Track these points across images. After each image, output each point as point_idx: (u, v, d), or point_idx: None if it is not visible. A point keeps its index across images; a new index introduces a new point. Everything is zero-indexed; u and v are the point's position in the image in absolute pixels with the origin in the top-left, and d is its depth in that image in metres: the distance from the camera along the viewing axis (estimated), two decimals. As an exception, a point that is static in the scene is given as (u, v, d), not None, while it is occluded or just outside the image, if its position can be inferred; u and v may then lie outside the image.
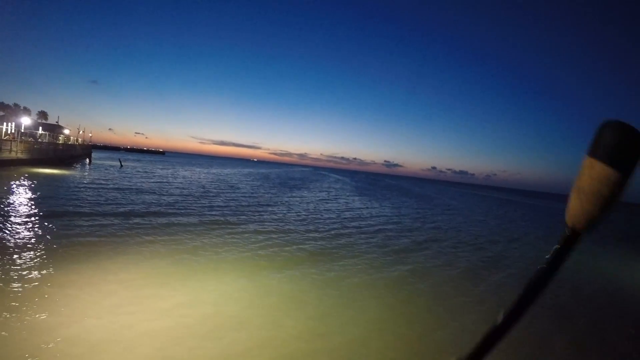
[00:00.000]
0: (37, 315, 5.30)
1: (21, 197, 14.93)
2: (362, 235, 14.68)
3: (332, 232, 14.85)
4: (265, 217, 16.85)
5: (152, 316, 5.69)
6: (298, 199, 27.37)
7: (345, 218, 19.27)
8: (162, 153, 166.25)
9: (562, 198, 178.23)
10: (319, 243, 12.49)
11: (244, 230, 13.24)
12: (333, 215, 19.64)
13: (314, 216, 18.71)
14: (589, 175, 0.55)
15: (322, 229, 15.28)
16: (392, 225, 18.58)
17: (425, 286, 8.85)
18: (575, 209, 0.57)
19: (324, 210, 21.82)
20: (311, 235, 13.82)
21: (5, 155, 27.60)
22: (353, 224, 17.55)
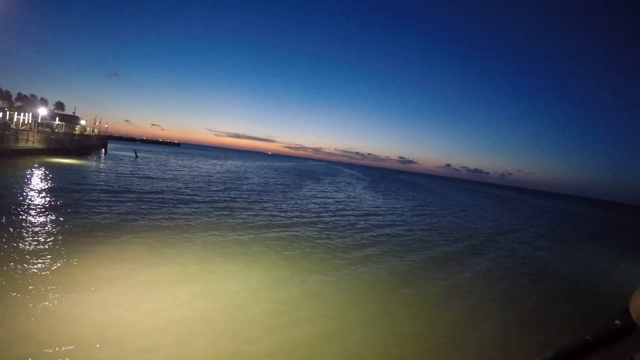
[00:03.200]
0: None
1: (38, 185, 14.89)
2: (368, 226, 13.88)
3: (347, 225, 14.15)
4: (278, 208, 16.14)
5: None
6: (313, 191, 26.69)
7: (361, 214, 18.39)
8: (178, 144, 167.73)
9: (571, 199, 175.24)
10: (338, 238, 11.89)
11: (255, 220, 12.64)
12: (347, 210, 18.82)
13: (330, 210, 17.96)
14: None
15: (339, 222, 14.56)
16: (396, 223, 17.67)
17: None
18: None
19: (337, 202, 21.12)
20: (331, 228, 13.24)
21: (23, 144, 27.65)
22: (365, 217, 16.75)
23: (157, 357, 4.26)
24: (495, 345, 5.93)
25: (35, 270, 6.27)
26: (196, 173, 31.59)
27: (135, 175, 23.43)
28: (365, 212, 19.99)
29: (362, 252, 10.80)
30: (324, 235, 12.25)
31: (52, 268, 6.48)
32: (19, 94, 56.32)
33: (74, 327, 4.66)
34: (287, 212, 16.28)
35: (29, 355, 4.01)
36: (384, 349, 5.21)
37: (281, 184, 30.81)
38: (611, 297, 9.70)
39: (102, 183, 18.02)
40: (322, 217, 16.13)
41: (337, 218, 16.32)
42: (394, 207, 24.11)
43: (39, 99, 56.62)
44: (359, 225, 15.26)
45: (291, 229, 12.63)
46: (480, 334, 6.21)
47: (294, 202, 20.17)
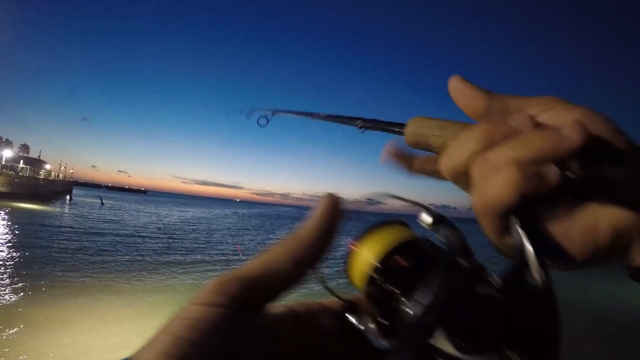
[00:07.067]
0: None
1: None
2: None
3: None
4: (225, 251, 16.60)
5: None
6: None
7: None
8: (144, 192, 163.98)
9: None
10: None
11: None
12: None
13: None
14: None
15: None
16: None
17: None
18: None
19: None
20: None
21: (-15, 188, 27.71)
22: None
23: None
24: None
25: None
26: (161, 220, 31.66)
27: (100, 220, 23.95)
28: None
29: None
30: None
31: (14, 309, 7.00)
32: (-18, 134, 55.50)
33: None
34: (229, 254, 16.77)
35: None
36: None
37: (240, 230, 31.05)
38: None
39: (65, 230, 17.70)
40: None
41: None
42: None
43: (4, 140, 55.97)
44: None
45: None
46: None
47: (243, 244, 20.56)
